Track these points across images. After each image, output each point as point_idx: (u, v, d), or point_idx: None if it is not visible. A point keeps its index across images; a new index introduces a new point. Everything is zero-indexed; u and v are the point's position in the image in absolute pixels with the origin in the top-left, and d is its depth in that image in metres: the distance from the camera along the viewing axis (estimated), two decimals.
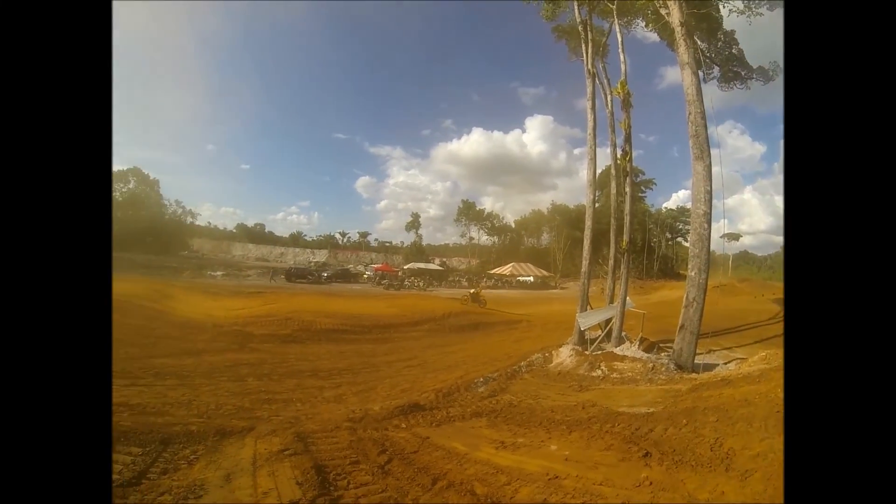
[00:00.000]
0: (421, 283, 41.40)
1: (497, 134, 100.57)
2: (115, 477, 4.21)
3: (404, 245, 74.36)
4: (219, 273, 39.81)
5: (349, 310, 19.85)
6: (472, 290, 29.10)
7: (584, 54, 14.43)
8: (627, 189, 13.82)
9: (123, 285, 20.27)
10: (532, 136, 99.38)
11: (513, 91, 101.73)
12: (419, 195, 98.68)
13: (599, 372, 9.78)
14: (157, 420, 6.03)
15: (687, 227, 57.74)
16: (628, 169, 13.65)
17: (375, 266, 51.62)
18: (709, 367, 9.84)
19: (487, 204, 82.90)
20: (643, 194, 59.92)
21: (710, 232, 9.98)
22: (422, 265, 53.19)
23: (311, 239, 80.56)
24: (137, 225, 50.80)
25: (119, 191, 55.13)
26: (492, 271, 56.45)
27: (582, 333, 12.78)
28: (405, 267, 52.13)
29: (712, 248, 10.15)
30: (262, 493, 3.93)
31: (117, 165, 55.54)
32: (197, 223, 69.13)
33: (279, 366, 10.64)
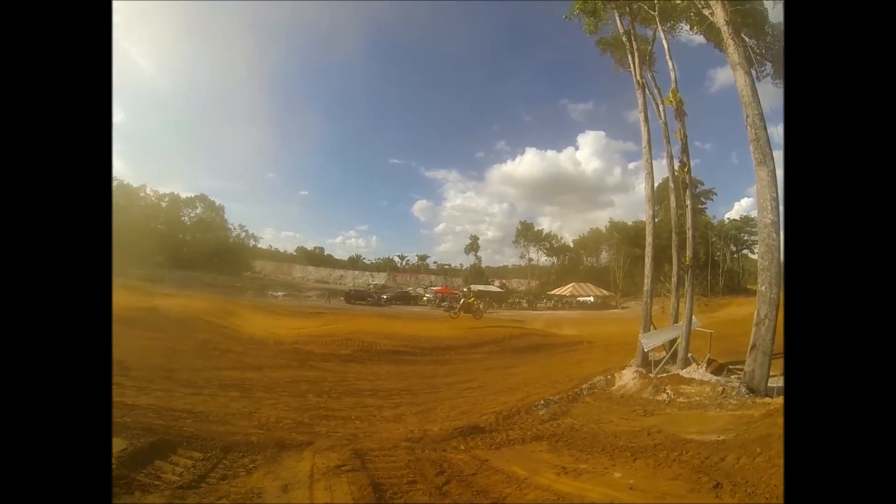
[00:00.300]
0: (481, 306, 41.34)
1: (550, 153, 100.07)
2: (174, 478, 4.35)
3: (463, 267, 74.88)
4: (280, 293, 41.70)
5: (409, 331, 20.00)
6: (462, 299, 27.00)
7: (631, 65, 14.04)
8: (688, 201, 13.10)
9: (191, 302, 21.80)
10: (585, 153, 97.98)
11: (562, 108, 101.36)
12: (477, 217, 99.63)
13: (665, 396, 9.18)
14: (219, 428, 6.26)
15: (753, 237, 54.77)
16: (687, 180, 12.98)
17: (435, 288, 52.15)
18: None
19: (545, 224, 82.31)
20: (704, 206, 56.88)
21: (780, 242, 9.11)
22: (481, 287, 53.10)
23: (369, 262, 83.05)
24: (204, 247, 55.35)
25: (188, 216, 60.55)
26: (551, 292, 55.37)
27: (645, 355, 12.10)
28: (465, 289, 52.40)
29: (783, 258, 9.30)
30: None
31: (185, 193, 61.88)
32: (259, 246, 73.58)
33: (339, 384, 10.78)
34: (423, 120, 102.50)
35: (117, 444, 4.87)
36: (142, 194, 56.55)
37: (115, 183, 52.73)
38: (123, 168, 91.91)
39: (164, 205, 58.52)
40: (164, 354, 11.69)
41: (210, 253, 54.50)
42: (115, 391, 7.52)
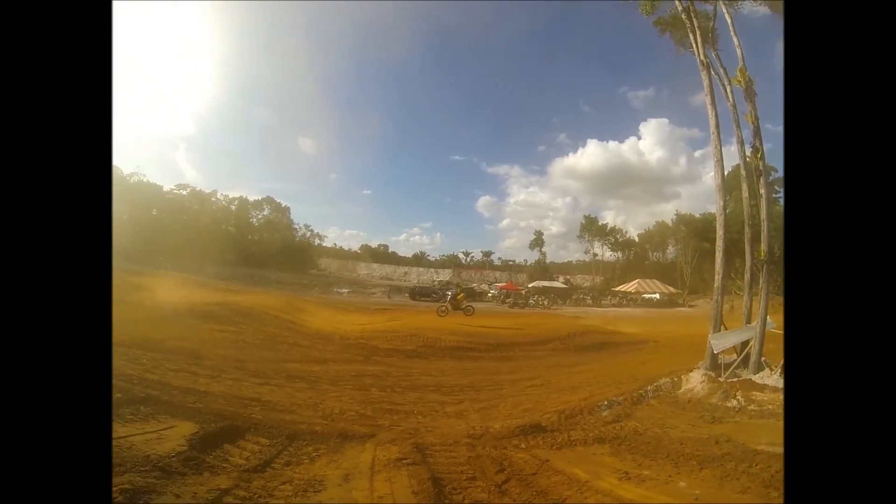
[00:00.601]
0: (545, 302, 40.67)
1: (612, 144, 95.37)
2: (241, 462, 4.59)
3: (528, 263, 74.15)
4: (345, 290, 43.22)
5: (473, 327, 20.03)
6: (450, 295, 25.59)
7: (693, 44, 12.98)
8: (762, 190, 11.97)
9: (259, 298, 23.04)
10: (648, 143, 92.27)
11: (622, 96, 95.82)
12: (540, 212, 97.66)
13: (735, 402, 8.52)
14: (285, 417, 6.59)
15: None
16: (760, 167, 11.87)
17: (500, 284, 52.08)
18: None
19: (609, 218, 78.62)
20: (778, 194, 52.12)
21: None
22: (546, 283, 52.50)
23: (434, 259, 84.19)
24: (272, 246, 58.99)
25: (256, 217, 64.57)
26: (616, 288, 53.46)
27: (715, 357, 11.26)
28: (529, 285, 51.76)
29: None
30: (377, 497, 4.00)
31: (253, 196, 65.37)
32: (324, 245, 76.72)
33: (402, 379, 10.98)
34: (483, 115, 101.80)
35: (188, 428, 5.22)
36: (213, 199, 61.19)
37: (187, 191, 57.63)
38: (195, 176, 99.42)
39: (233, 208, 62.93)
40: (235, 346, 12.47)
41: (277, 252, 58.00)
42: (189, 378, 8.15)
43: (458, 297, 25.10)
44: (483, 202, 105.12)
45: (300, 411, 7.19)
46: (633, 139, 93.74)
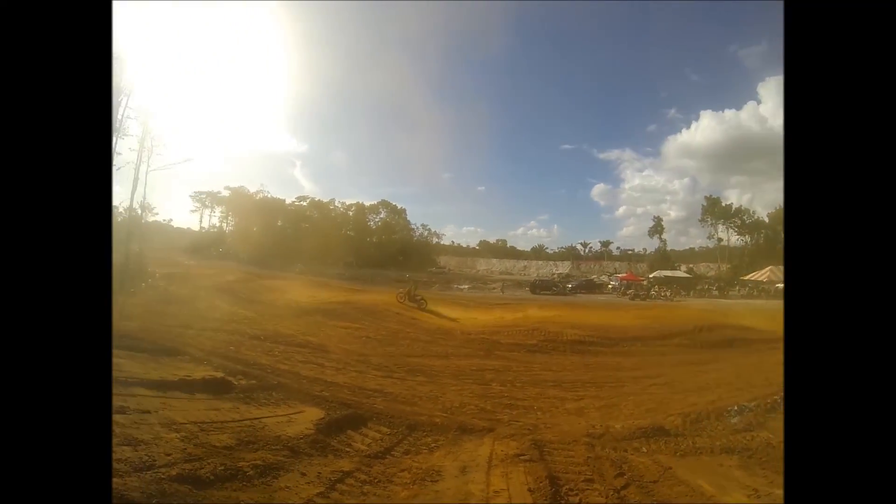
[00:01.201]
0: (668, 293, 37.83)
1: (729, 113, 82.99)
2: (363, 448, 4.92)
3: (647, 252, 69.58)
4: (465, 286, 44.09)
5: (595, 321, 19.41)
6: (408, 289, 25.95)
7: None
8: None
9: (382, 296, 24.42)
10: (770, 107, 78.20)
11: (732, 56, 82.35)
12: (657, 197, 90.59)
13: None
14: (406, 408, 6.93)
15: None
16: None
17: (620, 276, 49.78)
18: None
19: (733, 198, 69.06)
20: None
21: None
22: (668, 273, 48.85)
23: (552, 251, 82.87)
24: (390, 248, 62.50)
25: (373, 220, 68.84)
26: (745, 277, 47.19)
27: None
28: (651, 276, 48.59)
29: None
30: (493, 492, 4.05)
31: (369, 201, 69.52)
32: (442, 243, 79.28)
33: (523, 374, 10.95)
34: (587, 100, 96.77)
35: (315, 414, 5.72)
36: (331, 207, 66.78)
37: (307, 202, 63.71)
38: (312, 187, 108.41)
39: (351, 214, 68.02)
40: (359, 341, 13.37)
41: (396, 252, 61.53)
42: (316, 369, 8.95)
43: (411, 289, 26.04)
44: (597, 190, 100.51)
45: (421, 403, 7.50)
46: (751, 104, 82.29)
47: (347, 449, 4.90)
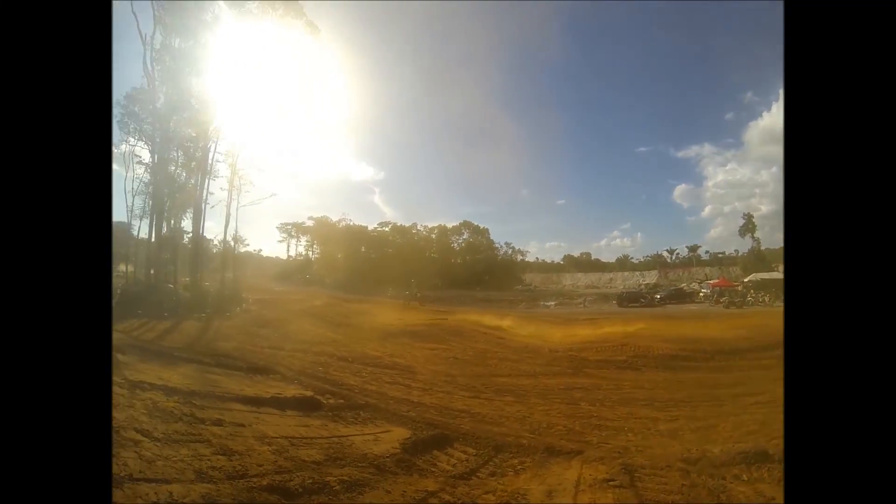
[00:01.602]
0: (766, 298, 34.32)
1: None
2: (448, 468, 4.86)
3: (740, 254, 63.95)
4: (552, 303, 43.11)
5: (687, 333, 18.02)
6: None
7: None
8: None
9: (467, 316, 24.48)
10: None
11: None
12: (745, 192, 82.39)
13: None
14: (493, 429, 6.81)
15: None
16: None
17: (711, 282, 46.28)
18: None
19: None
20: None
21: None
22: (765, 275, 44.35)
23: (637, 261, 79.22)
24: (475, 267, 63.19)
25: (456, 242, 70.08)
26: None
27: None
28: (746, 280, 44.57)
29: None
30: None
31: (451, 222, 70.78)
32: (526, 259, 78.39)
33: (613, 392, 10.42)
34: (656, 98, 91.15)
35: (402, 434, 5.75)
36: (413, 231, 68.72)
37: (389, 227, 66.14)
38: (393, 213, 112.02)
39: (434, 236, 69.55)
40: (446, 362, 13.42)
41: (481, 271, 62.12)
42: (403, 390, 9.09)
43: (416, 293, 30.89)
44: (679, 192, 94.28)
45: (508, 424, 7.34)
46: None
47: (433, 469, 4.89)
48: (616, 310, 34.76)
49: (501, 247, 72.35)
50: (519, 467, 5.14)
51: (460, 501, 4.04)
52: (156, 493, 3.56)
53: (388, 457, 4.98)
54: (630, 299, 38.30)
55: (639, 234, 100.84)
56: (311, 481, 4.08)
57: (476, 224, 70.71)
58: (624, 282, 65.07)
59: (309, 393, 7.64)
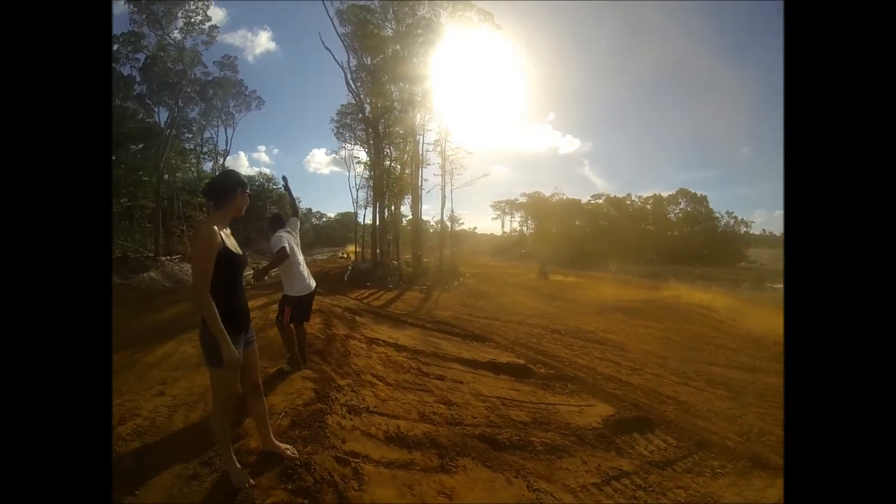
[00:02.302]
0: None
1: None
2: (646, 453, 5.02)
3: None
4: (780, 285, 36.43)
5: None
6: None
7: None
8: None
9: (684, 294, 22.48)
10: None
11: None
12: None
13: None
14: (699, 423, 6.51)
15: None
16: None
17: None
18: None
19: None
20: None
21: None
22: None
23: None
24: (693, 240, 57.46)
25: (672, 212, 63.90)
26: None
27: None
28: None
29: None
30: None
31: (666, 191, 65.39)
32: (751, 231, 68.34)
33: None
34: None
35: (606, 410, 6.03)
36: (627, 202, 64.08)
37: (602, 199, 63.02)
38: (605, 184, 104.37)
39: (649, 207, 64.06)
40: (659, 342, 12.84)
41: (699, 245, 55.66)
42: (612, 367, 9.26)
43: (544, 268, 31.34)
44: None
45: (716, 420, 6.93)
46: None
47: (630, 450, 5.10)
48: None
49: (722, 216, 64.28)
50: (718, 471, 4.93)
51: (649, 488, 4.22)
52: (386, 424, 4.40)
53: (589, 430, 5.35)
54: None
55: None
56: (517, 438, 4.71)
57: (693, 192, 64.10)
58: None
59: (521, 361, 8.38)
